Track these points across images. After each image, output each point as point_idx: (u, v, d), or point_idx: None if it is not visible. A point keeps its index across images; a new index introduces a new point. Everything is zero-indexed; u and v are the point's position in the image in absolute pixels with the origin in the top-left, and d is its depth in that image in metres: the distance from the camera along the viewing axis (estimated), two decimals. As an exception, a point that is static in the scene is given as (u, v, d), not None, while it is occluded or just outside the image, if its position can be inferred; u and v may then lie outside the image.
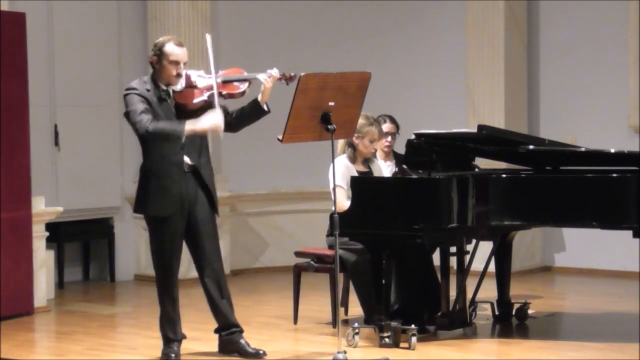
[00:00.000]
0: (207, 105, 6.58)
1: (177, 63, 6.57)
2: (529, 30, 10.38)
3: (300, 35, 10.77)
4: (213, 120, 6.44)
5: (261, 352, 6.80)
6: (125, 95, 6.57)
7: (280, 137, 6.61)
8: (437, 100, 10.55)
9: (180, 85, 6.62)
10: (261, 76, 6.61)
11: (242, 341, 6.83)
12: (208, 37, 6.68)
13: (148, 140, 6.52)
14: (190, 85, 6.64)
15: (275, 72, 6.60)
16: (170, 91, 6.62)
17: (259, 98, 6.66)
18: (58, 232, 9.55)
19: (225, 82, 6.64)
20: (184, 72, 6.62)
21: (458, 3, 10.37)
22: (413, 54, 10.74)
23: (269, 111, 6.68)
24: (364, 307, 7.45)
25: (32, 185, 8.51)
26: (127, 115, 6.53)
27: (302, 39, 10.75)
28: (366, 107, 6.95)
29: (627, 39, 9.87)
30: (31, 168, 8.50)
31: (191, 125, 6.42)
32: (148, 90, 6.56)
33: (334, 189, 6.91)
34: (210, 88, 6.58)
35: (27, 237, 8.43)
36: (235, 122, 6.78)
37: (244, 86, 6.69)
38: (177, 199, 6.61)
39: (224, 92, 6.62)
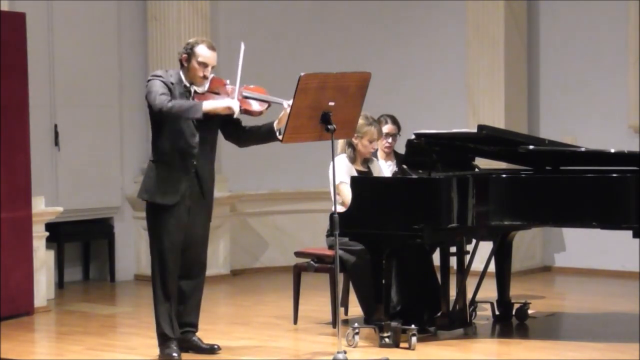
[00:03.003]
0: (224, 115, 6.61)
1: (205, 65, 6.62)
2: (529, 30, 10.38)
3: (300, 35, 10.77)
4: (229, 101, 6.52)
5: (215, 346, 6.89)
6: (149, 80, 6.63)
7: (280, 137, 6.61)
8: (437, 101, 10.55)
9: (203, 88, 6.64)
10: (284, 103, 6.63)
11: (195, 338, 6.90)
12: (242, 46, 6.62)
13: (165, 117, 6.52)
14: (212, 91, 6.65)
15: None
16: (192, 90, 6.65)
17: (275, 123, 6.70)
18: (58, 232, 9.55)
19: (246, 98, 6.65)
20: (210, 76, 6.64)
21: (458, 3, 10.37)
22: (413, 53, 10.75)
23: (280, 139, 6.68)
24: (364, 307, 7.45)
25: (32, 185, 8.50)
26: (147, 97, 6.57)
27: (302, 39, 10.76)
28: (366, 107, 6.95)
29: (627, 39, 9.87)
30: (31, 168, 8.50)
31: (208, 105, 6.48)
32: (172, 84, 6.62)
33: (334, 188, 6.89)
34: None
35: (27, 237, 8.43)
36: (245, 137, 6.85)
37: (263, 107, 6.71)
38: (182, 192, 6.64)
39: (242, 107, 6.63)
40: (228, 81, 6.74)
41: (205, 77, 6.64)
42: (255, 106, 6.68)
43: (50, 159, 9.60)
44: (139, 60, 10.19)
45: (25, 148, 8.45)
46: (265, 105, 6.71)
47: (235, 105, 6.52)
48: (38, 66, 9.28)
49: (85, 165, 9.84)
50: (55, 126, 9.64)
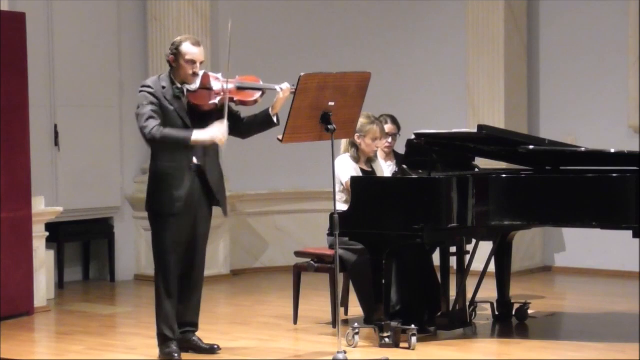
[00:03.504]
0: (219, 109, 6.61)
1: (193, 62, 6.62)
2: (529, 30, 10.38)
3: (301, 35, 10.77)
4: (218, 130, 6.50)
5: (215, 346, 6.90)
6: (139, 92, 6.64)
7: (280, 137, 6.61)
8: (437, 100, 10.56)
9: (195, 85, 6.65)
10: (277, 87, 6.64)
11: (195, 338, 6.91)
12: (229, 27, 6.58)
13: (154, 145, 6.58)
14: (204, 87, 6.66)
15: (286, 86, 6.61)
16: (185, 90, 6.64)
17: (270, 109, 6.71)
18: (58, 232, 9.56)
19: (240, 89, 6.66)
20: (201, 73, 6.65)
21: (458, 3, 10.37)
22: (413, 54, 10.75)
23: (278, 124, 6.71)
24: (364, 307, 7.45)
25: (32, 185, 8.50)
26: (136, 116, 6.60)
27: (302, 39, 10.76)
28: (366, 107, 6.95)
29: (627, 39, 9.87)
30: (31, 168, 8.50)
31: (197, 135, 6.49)
32: (164, 88, 6.62)
33: (334, 187, 6.87)
34: (223, 92, 6.60)
35: (27, 237, 8.43)
36: (245, 128, 6.86)
37: (257, 95, 6.72)
38: (185, 197, 6.63)
39: (235, 99, 6.65)
40: (220, 74, 6.73)
41: (195, 74, 6.64)
42: (250, 96, 6.69)
43: (50, 159, 9.60)
44: (139, 60, 10.19)
45: (25, 148, 8.44)
46: (259, 93, 6.72)
47: (224, 131, 6.49)
48: (38, 66, 9.28)
49: (85, 165, 9.84)
50: (55, 126, 9.63)
